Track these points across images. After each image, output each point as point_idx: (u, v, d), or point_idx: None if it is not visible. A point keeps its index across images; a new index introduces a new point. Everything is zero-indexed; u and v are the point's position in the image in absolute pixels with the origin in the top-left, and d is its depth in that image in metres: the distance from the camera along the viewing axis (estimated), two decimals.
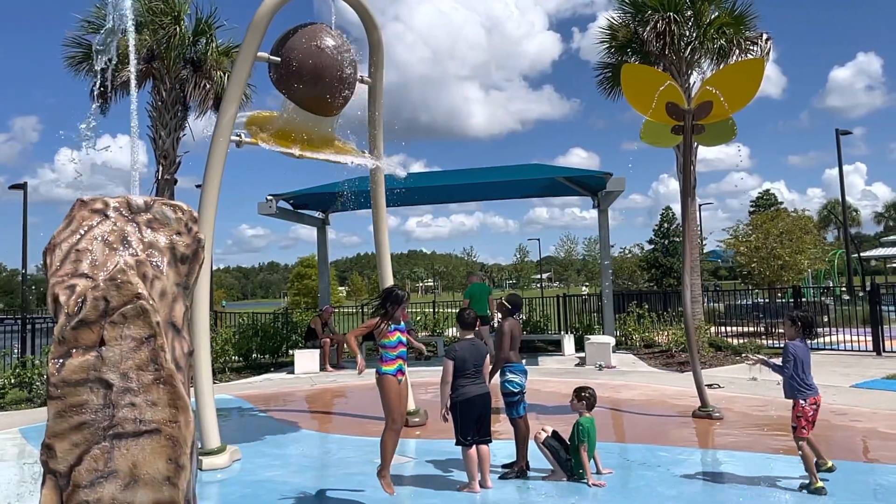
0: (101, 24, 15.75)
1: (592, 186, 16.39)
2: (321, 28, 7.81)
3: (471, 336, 6.11)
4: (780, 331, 15.94)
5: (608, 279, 16.99)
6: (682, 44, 17.33)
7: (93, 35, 16.46)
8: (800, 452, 5.61)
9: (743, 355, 6.19)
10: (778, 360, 5.84)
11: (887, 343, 13.95)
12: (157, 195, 13.88)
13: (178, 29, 16.20)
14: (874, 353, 13.82)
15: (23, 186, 29.07)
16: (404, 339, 5.80)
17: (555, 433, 6.32)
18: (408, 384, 5.85)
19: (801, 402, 5.61)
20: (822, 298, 20.17)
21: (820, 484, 5.53)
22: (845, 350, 14.37)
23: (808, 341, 5.93)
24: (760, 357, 5.99)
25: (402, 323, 5.86)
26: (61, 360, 3.03)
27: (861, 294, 22.94)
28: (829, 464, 5.81)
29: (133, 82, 4.48)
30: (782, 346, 6.22)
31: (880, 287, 17.13)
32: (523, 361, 6.66)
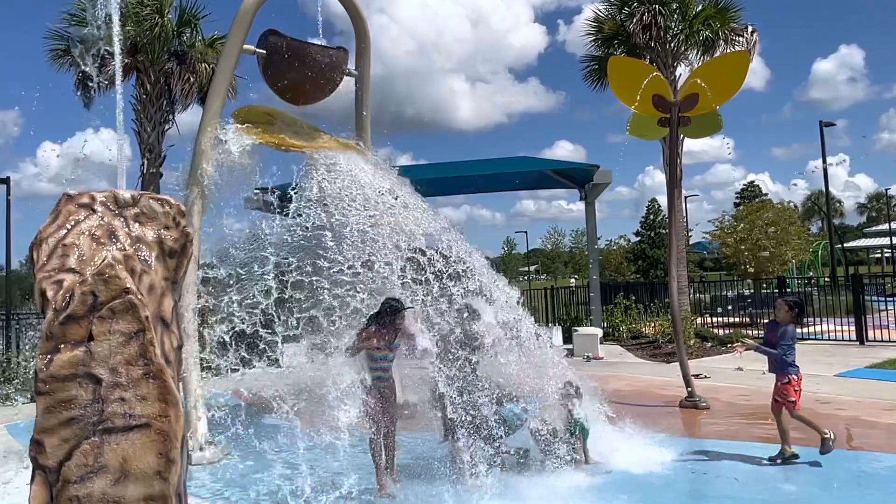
0: (83, 17, 15.57)
1: (579, 179, 16.44)
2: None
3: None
4: (766, 321, 16.09)
5: (595, 271, 17.08)
6: (668, 36, 17.39)
7: (75, 27, 16.27)
8: (800, 423, 6.12)
9: (732, 346, 6.39)
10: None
11: (870, 332, 14.12)
12: (142, 189, 13.77)
13: (161, 20, 16.03)
14: (857, 343, 13.98)
15: (6, 181, 28.69)
16: (391, 356, 5.65)
17: (545, 422, 6.35)
18: (394, 386, 5.78)
19: (794, 376, 6.12)
20: (807, 289, 20.37)
21: (828, 434, 5.95)
22: (829, 340, 14.53)
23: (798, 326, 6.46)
24: (749, 344, 6.22)
25: (397, 342, 5.66)
26: (49, 356, 3.01)
27: (844, 284, 23.16)
28: (792, 450, 6.13)
29: (118, 76, 4.44)
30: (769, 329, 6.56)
31: (863, 277, 17.31)
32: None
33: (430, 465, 6.46)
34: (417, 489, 5.79)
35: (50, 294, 3.07)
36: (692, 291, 19.01)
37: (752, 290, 18.92)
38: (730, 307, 17.91)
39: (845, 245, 46.57)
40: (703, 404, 8.62)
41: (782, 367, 6.15)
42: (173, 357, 3.31)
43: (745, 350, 6.45)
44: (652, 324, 16.32)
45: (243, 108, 8.14)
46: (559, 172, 16.59)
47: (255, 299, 6.18)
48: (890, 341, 13.59)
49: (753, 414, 8.07)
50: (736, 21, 17.67)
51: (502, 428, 6.16)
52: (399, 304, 5.71)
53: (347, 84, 8.50)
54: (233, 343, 6.39)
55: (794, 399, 6.11)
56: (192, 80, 16.87)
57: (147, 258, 3.28)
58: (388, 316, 5.62)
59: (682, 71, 17.79)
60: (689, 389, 8.78)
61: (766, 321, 15.89)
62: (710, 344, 14.34)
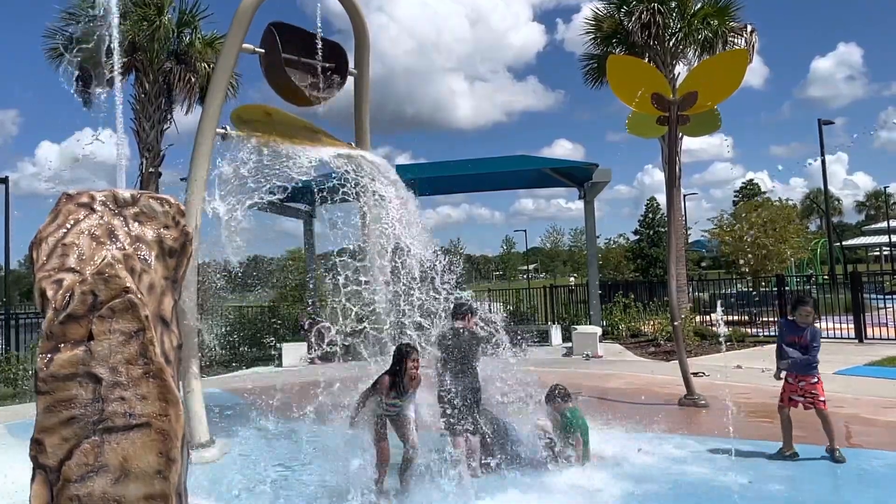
0: (81, 16, 15.57)
1: (579, 178, 16.45)
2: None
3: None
4: (765, 319, 16.10)
5: (594, 270, 17.08)
6: (667, 35, 17.40)
7: (74, 26, 16.25)
8: (823, 420, 6.28)
9: (774, 376, 6.42)
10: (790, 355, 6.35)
11: (869, 330, 14.13)
12: (141, 188, 13.75)
13: (161, 20, 16.01)
14: (856, 341, 13.99)
15: (4, 181, 28.66)
16: (398, 404, 5.72)
17: (545, 425, 6.36)
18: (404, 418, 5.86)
19: (819, 374, 6.30)
20: (805, 287, 20.38)
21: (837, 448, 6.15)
22: (828, 338, 14.51)
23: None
24: (782, 365, 6.27)
25: (409, 392, 5.74)
26: (50, 355, 3.01)
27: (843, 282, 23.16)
28: (793, 448, 6.33)
29: (117, 75, 4.42)
30: (776, 330, 6.62)
31: (861, 275, 17.31)
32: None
33: (431, 462, 6.47)
34: (417, 487, 5.79)
35: (50, 293, 3.07)
36: (691, 290, 19.02)
37: (753, 289, 18.91)
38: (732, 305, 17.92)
39: (844, 243, 46.58)
40: (703, 402, 8.62)
41: (811, 367, 6.27)
42: (173, 356, 3.31)
43: (783, 368, 6.40)
44: (651, 322, 16.33)
45: (242, 107, 8.14)
46: (558, 171, 16.60)
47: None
48: (889, 339, 13.60)
49: (753, 412, 8.08)
50: (735, 20, 17.69)
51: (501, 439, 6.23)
52: (408, 347, 5.79)
53: (347, 83, 8.50)
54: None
55: (823, 398, 6.26)
56: (192, 80, 16.86)
57: (147, 257, 3.29)
58: (399, 362, 5.67)
59: (681, 69, 17.83)
60: (689, 387, 8.79)
61: (765, 319, 15.96)
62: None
